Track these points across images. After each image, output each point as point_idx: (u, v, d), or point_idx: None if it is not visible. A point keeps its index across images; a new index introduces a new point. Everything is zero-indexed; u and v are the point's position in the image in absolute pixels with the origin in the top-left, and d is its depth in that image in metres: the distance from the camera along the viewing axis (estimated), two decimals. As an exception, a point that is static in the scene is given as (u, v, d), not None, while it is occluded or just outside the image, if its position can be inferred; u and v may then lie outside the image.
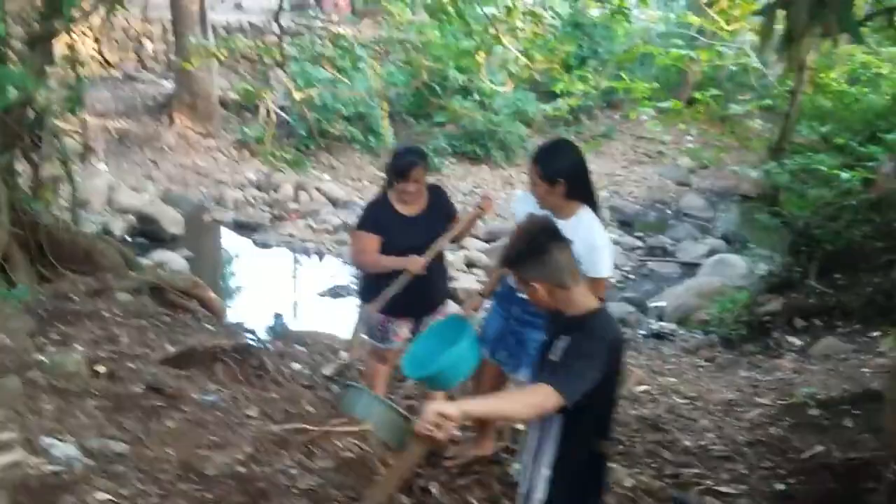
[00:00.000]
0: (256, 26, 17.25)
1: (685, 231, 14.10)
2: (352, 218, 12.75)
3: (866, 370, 6.07)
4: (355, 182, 14.59)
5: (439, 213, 4.23)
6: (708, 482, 4.50)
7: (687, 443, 5.02)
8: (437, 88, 14.84)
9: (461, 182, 15.22)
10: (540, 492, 2.45)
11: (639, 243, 13.56)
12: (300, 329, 6.94)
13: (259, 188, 13.47)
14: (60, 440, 2.99)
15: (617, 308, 9.96)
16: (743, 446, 4.95)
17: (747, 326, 7.57)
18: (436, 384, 3.53)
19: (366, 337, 4.54)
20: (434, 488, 3.88)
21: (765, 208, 8.58)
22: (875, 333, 6.77)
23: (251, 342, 5.05)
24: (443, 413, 2.06)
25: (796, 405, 5.46)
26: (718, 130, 11.76)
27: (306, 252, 11.77)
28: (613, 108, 18.98)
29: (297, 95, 8.66)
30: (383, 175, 4.42)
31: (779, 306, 7.49)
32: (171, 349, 4.44)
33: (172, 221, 11.49)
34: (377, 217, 4.15)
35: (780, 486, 4.50)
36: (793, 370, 6.42)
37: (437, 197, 4.26)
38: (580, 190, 3.36)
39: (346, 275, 11.01)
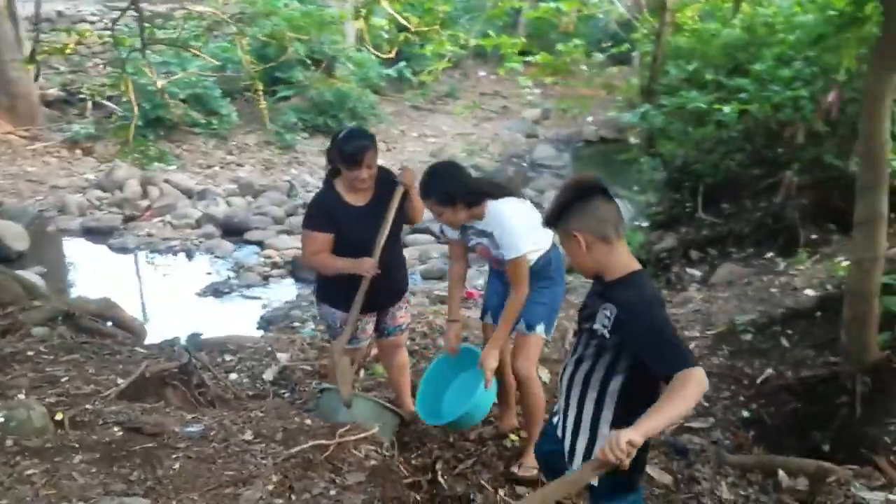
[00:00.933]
0: (65, 15, 15.79)
1: (545, 182, 14.45)
2: (212, 208, 12.08)
3: (774, 290, 6.47)
4: (205, 170, 13.79)
5: (391, 196, 4.00)
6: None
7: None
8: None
9: (319, 157, 14.76)
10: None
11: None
12: (214, 335, 6.47)
13: (102, 189, 12.41)
14: (68, 510, 2.60)
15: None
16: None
17: (646, 265, 7.86)
18: (457, 425, 3.65)
19: (332, 340, 4.29)
20: (441, 476, 3.76)
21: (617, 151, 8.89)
22: (769, 254, 7.24)
23: (191, 360, 4.63)
24: (631, 441, 2.01)
25: (727, 333, 5.74)
26: (582, 80, 12.03)
27: (172, 251, 11.00)
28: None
29: (154, 82, 7.91)
30: (326, 163, 4.12)
31: (674, 242, 7.85)
32: (120, 381, 3.98)
33: (15, 237, 10.37)
34: (325, 212, 3.87)
35: (746, 413, 4.73)
36: (703, 300, 6.74)
37: (385, 179, 4.00)
38: (475, 195, 3.43)
39: (221, 271, 10.45)
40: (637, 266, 2.39)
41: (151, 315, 8.55)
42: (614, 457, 2.01)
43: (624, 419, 2.24)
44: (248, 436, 3.41)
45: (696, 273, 7.51)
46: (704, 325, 6.08)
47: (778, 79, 7.43)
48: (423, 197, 3.44)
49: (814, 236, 7.10)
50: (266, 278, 10.27)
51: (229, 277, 10.27)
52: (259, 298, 9.81)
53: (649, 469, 3.89)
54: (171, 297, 9.45)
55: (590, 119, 17.96)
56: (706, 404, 4.81)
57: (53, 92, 13.83)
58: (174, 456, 3.11)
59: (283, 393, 5.11)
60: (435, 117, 17.80)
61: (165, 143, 13.88)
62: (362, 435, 3.41)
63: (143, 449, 3.12)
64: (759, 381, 4.94)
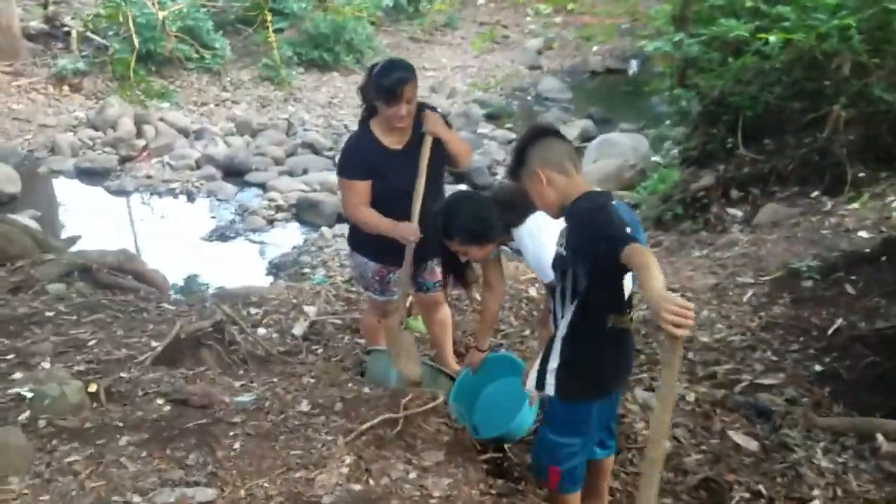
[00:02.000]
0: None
1: (552, 116, 13.95)
2: (211, 148, 11.55)
3: (825, 232, 6.12)
4: (200, 107, 13.18)
5: (423, 134, 3.57)
6: (746, 377, 4.34)
7: (703, 338, 4.82)
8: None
9: (316, 94, 14.20)
10: (555, 360, 2.55)
11: (512, 136, 13.26)
12: (233, 286, 6.09)
13: (94, 127, 11.81)
14: (127, 504, 2.24)
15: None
16: (759, 332, 4.82)
17: (681, 204, 7.48)
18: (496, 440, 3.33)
19: (362, 290, 3.92)
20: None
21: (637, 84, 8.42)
22: (815, 193, 6.86)
23: (223, 316, 4.25)
24: (681, 303, 1.89)
25: (785, 279, 5.40)
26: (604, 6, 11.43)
27: (173, 194, 10.54)
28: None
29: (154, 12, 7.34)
30: (360, 102, 3.68)
31: (712, 180, 7.44)
32: (155, 344, 3.59)
33: (6, 179, 9.85)
34: (363, 158, 3.50)
35: (819, 368, 4.41)
36: (749, 242, 6.38)
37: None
38: (501, 228, 3.10)
39: (224, 214, 10.02)
40: (593, 189, 2.50)
41: (159, 262, 8.14)
42: (674, 322, 1.88)
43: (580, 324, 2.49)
44: (305, 406, 3.06)
45: (738, 213, 7.13)
46: (756, 271, 5.71)
47: (822, 6, 6.94)
48: (446, 238, 3.10)
49: (861, 174, 6.71)
50: (271, 222, 9.87)
51: (234, 221, 9.86)
52: (265, 243, 9.44)
53: (733, 435, 3.60)
54: (177, 242, 9.03)
55: (594, 49, 17.35)
56: (774, 358, 4.49)
57: (35, 24, 13.07)
58: (231, 433, 2.75)
59: (316, 349, 4.76)
60: (433, 49, 17.14)
61: (157, 80, 13.23)
62: (430, 405, 3.05)
63: (197, 426, 2.76)
64: (829, 332, 4.60)
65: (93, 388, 3.04)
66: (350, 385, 3.36)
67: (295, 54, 14.51)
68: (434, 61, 16.35)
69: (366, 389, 3.22)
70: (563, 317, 2.54)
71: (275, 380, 3.40)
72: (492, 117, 14.13)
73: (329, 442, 2.74)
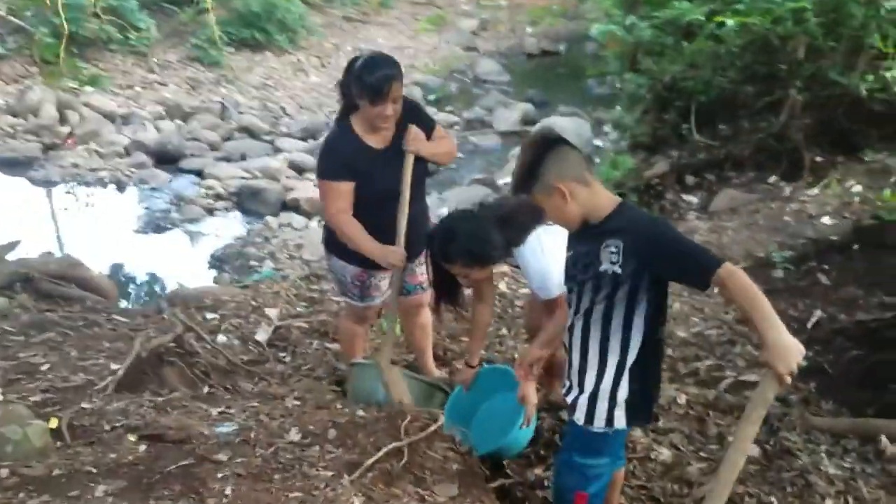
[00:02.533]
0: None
1: (493, 99, 13.78)
2: (140, 133, 10.98)
3: (787, 218, 6.10)
4: (126, 90, 12.51)
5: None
6: (729, 373, 4.25)
7: (681, 333, 4.72)
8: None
9: (248, 75, 13.66)
10: (624, 390, 2.34)
11: (455, 118, 13.07)
12: (184, 288, 5.72)
13: (13, 114, 11.08)
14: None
15: (470, 192, 9.49)
16: (736, 324, 4.75)
17: (636, 192, 7.39)
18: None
19: (341, 297, 3.68)
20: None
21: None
22: (772, 179, 6.86)
23: (181, 327, 3.93)
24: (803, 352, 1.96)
25: (754, 269, 5.34)
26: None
27: (101, 183, 9.97)
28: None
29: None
30: (339, 98, 3.40)
31: (666, 167, 7.38)
32: (115, 367, 3.25)
33: (-81, 172, 9.15)
34: (346, 157, 3.22)
35: (803, 362, 4.35)
36: (709, 230, 6.33)
37: (410, 115, 3.33)
38: (503, 248, 2.93)
39: (158, 204, 9.53)
40: (618, 198, 2.35)
41: (94, 259, 7.66)
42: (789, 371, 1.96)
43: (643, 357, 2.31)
44: (295, 435, 2.79)
45: (693, 200, 7.08)
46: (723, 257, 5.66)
47: (777, -12, 6.91)
48: (446, 262, 2.92)
49: (818, 159, 6.75)
50: (210, 211, 9.44)
51: (169, 211, 9.39)
52: (205, 234, 9.00)
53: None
54: (110, 235, 8.51)
55: (529, 30, 17.23)
56: (756, 353, 4.41)
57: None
58: (219, 475, 2.46)
59: (283, 356, 4.47)
60: (368, 29, 16.75)
61: (80, 63, 12.49)
62: (432, 427, 2.83)
63: (179, 468, 2.47)
64: (809, 325, 4.56)
65: (53, 423, 2.71)
66: (339, 406, 3.10)
67: (225, 34, 13.91)
68: (370, 42, 15.94)
69: (360, 413, 2.96)
70: (614, 341, 2.32)
71: (255, 403, 3.11)
72: (431, 101, 13.86)
73: (330, 479, 2.48)
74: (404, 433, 2.79)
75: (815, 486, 3.12)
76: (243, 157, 10.80)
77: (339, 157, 3.24)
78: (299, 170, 10.55)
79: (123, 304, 4.80)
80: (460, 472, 2.69)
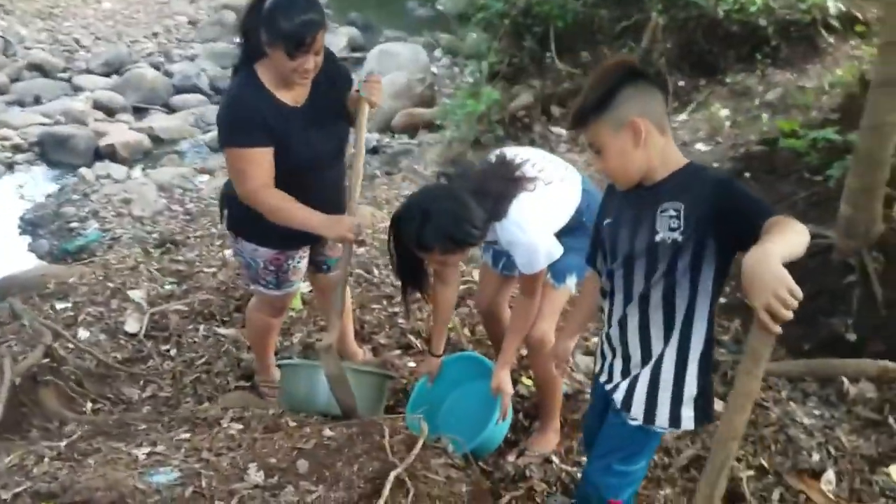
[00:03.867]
0: None
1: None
2: None
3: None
4: None
5: (330, 90, 2.79)
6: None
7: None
8: None
9: (30, 3, 11.83)
10: (692, 386, 1.98)
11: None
12: (14, 271, 4.74)
13: None
14: None
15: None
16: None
17: (501, 125, 7.08)
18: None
19: (251, 286, 3.12)
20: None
21: None
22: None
23: (47, 333, 3.17)
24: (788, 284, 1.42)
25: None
26: None
27: None
28: None
29: None
30: (239, 40, 2.76)
31: (530, 98, 7.09)
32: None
33: None
34: (259, 116, 2.61)
35: (723, 300, 4.26)
36: (586, 163, 6.14)
37: (326, 66, 2.75)
38: (484, 228, 2.44)
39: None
40: (686, 160, 1.93)
41: None
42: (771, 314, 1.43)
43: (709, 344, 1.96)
44: (257, 475, 2.24)
45: (562, 132, 6.86)
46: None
47: None
48: (421, 249, 2.41)
49: (681, 83, 6.72)
50: (10, 166, 8.14)
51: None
52: (8, 194, 7.71)
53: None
54: None
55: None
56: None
57: None
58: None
59: (167, 350, 3.81)
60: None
61: None
62: (419, 444, 2.38)
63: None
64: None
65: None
66: (292, 423, 2.56)
67: (-8, -47, 11.93)
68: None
69: (327, 432, 2.44)
70: (678, 325, 1.93)
71: (185, 435, 2.48)
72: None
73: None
74: (392, 453, 2.32)
75: (797, 440, 2.99)
76: (38, 101, 9.39)
77: (251, 116, 2.61)
78: (108, 110, 9.33)
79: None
80: (472, 496, 2.27)
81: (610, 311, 2.08)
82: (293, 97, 2.70)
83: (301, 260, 3.02)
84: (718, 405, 3.14)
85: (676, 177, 1.88)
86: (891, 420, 3.14)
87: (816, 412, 3.21)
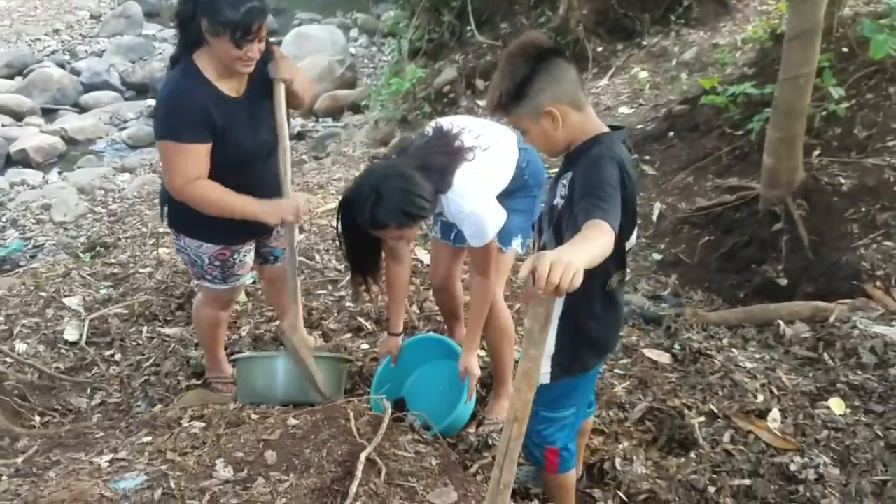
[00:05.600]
0: None
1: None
2: None
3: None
4: None
5: (265, 78, 2.75)
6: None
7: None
8: None
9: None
10: (549, 344, 2.07)
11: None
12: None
13: None
14: None
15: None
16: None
17: (427, 102, 7.09)
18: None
19: (197, 282, 3.07)
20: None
21: None
22: (561, 73, 6.85)
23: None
24: (565, 262, 1.46)
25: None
26: None
27: None
28: None
29: None
30: (176, 29, 2.69)
31: (454, 73, 7.11)
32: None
33: None
34: (199, 109, 2.56)
35: (658, 256, 4.42)
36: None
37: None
38: (433, 201, 2.46)
39: None
40: (605, 128, 2.00)
41: None
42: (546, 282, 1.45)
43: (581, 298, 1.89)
44: (225, 470, 2.22)
45: (487, 103, 6.91)
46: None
47: None
48: (375, 228, 2.41)
49: (600, 48, 6.83)
50: None
51: None
52: None
53: (646, 352, 3.41)
54: None
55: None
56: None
57: None
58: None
59: (112, 355, 3.71)
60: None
61: None
62: (385, 421, 2.41)
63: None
64: (654, 218, 4.60)
65: None
66: (254, 417, 2.54)
67: None
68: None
69: (291, 420, 2.43)
70: None
71: (146, 438, 2.44)
72: (152, 15, 12.38)
73: (305, 519, 1.99)
74: (359, 435, 2.34)
75: (742, 384, 3.12)
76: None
77: (191, 109, 2.55)
78: (15, 114, 8.96)
79: None
80: (442, 468, 2.30)
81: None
82: (233, 87, 2.65)
83: (247, 253, 2.98)
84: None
85: (584, 146, 1.95)
86: (825, 356, 3.29)
87: (757, 356, 3.35)
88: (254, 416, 2.56)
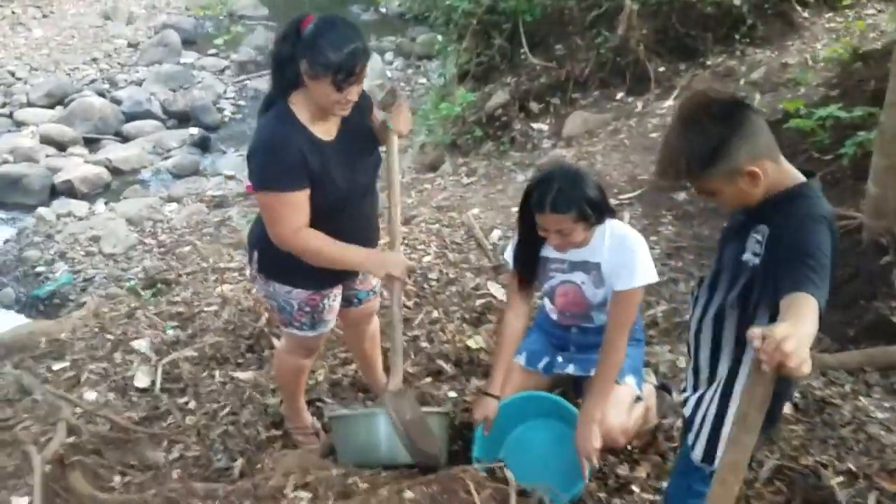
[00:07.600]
0: None
1: (261, 37, 12.59)
2: None
3: (654, 135, 5.91)
4: None
5: (358, 117, 2.58)
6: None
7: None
8: None
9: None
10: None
11: (225, 62, 11.74)
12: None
13: None
14: None
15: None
16: (665, 258, 4.45)
17: (479, 126, 6.90)
18: None
19: (284, 329, 2.88)
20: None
21: None
22: (620, 95, 6.64)
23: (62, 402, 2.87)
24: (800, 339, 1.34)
25: (651, 194, 5.09)
26: None
27: None
28: None
29: None
30: (273, 70, 2.51)
31: (506, 96, 6.92)
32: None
33: None
34: (298, 156, 2.40)
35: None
36: (575, 157, 5.99)
37: None
38: (608, 209, 2.59)
39: None
40: (802, 178, 1.82)
41: None
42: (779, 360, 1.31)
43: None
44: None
45: (543, 127, 6.70)
46: (608, 188, 5.33)
47: None
48: (558, 211, 2.40)
49: (661, 69, 6.61)
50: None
51: None
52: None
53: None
54: None
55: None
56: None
57: None
58: None
59: (186, 403, 3.52)
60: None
61: None
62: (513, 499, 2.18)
63: None
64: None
65: None
66: (361, 484, 2.33)
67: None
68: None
69: (408, 494, 2.21)
70: (729, 355, 1.92)
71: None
72: (189, 42, 12.35)
73: None
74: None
75: (878, 438, 2.86)
76: (-25, 138, 8.91)
77: (289, 156, 2.39)
78: (59, 144, 8.89)
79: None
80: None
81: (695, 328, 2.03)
82: (326, 130, 2.51)
83: (335, 298, 2.82)
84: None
85: (780, 198, 1.78)
86: (963, 403, 3.03)
87: (886, 404, 3.09)
88: (362, 485, 2.34)
